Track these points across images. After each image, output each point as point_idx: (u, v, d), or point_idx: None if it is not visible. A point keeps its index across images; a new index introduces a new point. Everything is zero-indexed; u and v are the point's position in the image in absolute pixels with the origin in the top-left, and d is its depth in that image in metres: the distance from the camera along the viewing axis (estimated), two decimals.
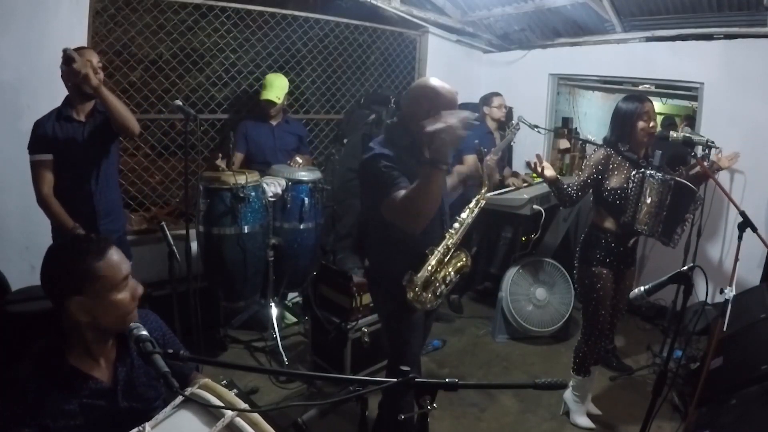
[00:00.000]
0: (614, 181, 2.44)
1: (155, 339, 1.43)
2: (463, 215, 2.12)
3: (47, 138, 2.33)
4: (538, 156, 2.50)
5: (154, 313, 1.52)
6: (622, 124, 2.45)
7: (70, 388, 1.24)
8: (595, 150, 2.58)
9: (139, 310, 1.52)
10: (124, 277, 1.28)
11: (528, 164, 2.50)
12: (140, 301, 1.38)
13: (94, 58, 2.36)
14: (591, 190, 2.53)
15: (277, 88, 3.45)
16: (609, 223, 2.49)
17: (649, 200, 2.37)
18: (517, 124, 3.71)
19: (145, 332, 1.14)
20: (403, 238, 1.97)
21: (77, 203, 2.42)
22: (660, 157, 2.49)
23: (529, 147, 4.73)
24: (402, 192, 1.80)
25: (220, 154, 3.14)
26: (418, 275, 1.96)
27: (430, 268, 1.98)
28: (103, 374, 1.31)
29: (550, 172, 2.48)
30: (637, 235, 2.51)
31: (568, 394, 2.71)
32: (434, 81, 1.97)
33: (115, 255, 1.28)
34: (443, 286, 2.04)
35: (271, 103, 3.43)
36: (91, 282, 1.22)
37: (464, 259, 2.12)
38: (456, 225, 2.08)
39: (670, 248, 2.55)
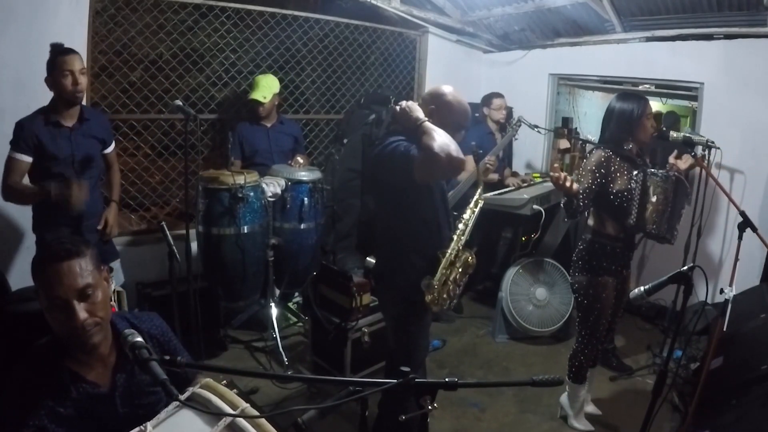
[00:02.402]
0: (619, 184, 2.34)
1: (158, 341, 1.42)
2: (466, 216, 2.18)
3: (34, 141, 2.32)
4: (555, 168, 2.28)
5: (159, 317, 1.50)
6: (628, 123, 2.35)
7: (65, 389, 1.23)
8: (590, 153, 2.45)
9: (145, 313, 1.51)
10: (58, 297, 1.19)
11: (550, 177, 2.37)
12: (141, 301, 1.36)
13: (77, 65, 2.34)
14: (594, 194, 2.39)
15: (263, 87, 3.39)
16: (612, 229, 2.40)
17: (654, 198, 2.33)
18: (518, 121, 3.72)
19: (139, 339, 1.08)
20: (416, 239, 2.03)
21: (63, 208, 2.40)
22: (651, 155, 2.48)
23: (529, 147, 4.74)
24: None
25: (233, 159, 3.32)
26: (436, 278, 2.00)
27: (444, 270, 2.02)
28: (101, 379, 1.29)
29: (576, 185, 2.29)
30: (643, 236, 2.48)
31: (564, 399, 2.70)
32: (450, 89, 2.06)
33: (55, 274, 1.19)
34: (456, 287, 2.09)
35: (258, 103, 3.37)
36: (36, 286, 1.24)
37: (470, 259, 2.15)
38: (461, 226, 2.14)
39: (670, 248, 2.55)
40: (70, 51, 2.37)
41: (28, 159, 2.32)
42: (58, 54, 2.32)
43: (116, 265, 2.72)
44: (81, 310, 1.20)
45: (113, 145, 2.73)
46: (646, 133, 2.39)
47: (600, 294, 2.42)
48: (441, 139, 1.83)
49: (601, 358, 3.29)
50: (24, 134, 2.30)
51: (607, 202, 2.38)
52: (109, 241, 2.69)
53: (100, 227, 2.61)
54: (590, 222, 2.49)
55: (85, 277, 1.21)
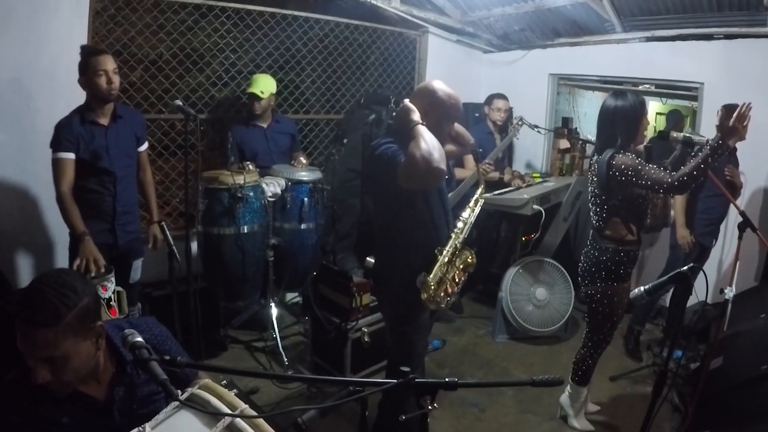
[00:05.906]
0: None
1: (156, 351, 1.40)
2: (465, 214, 2.17)
3: (73, 139, 2.35)
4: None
5: (156, 322, 1.48)
6: (634, 121, 2.30)
7: (61, 400, 1.21)
8: (617, 157, 2.25)
9: (141, 318, 1.49)
10: (27, 359, 1.12)
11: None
12: (140, 301, 1.34)
13: (110, 65, 2.37)
14: (611, 203, 2.33)
15: (261, 83, 3.33)
16: (631, 234, 2.36)
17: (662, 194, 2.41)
18: (519, 121, 3.70)
19: (140, 339, 1.08)
20: (412, 238, 2.01)
21: (98, 204, 2.48)
22: (648, 154, 2.51)
23: (529, 147, 4.75)
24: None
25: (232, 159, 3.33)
26: (431, 276, 1.98)
27: (441, 267, 2.01)
28: (99, 392, 1.28)
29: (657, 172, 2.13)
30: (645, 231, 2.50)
31: (564, 399, 2.70)
32: (439, 84, 2.04)
33: (19, 331, 1.10)
34: (454, 285, 2.07)
35: (255, 97, 3.30)
36: None
37: (470, 258, 2.14)
38: (460, 224, 2.13)
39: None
40: (103, 51, 2.43)
41: (72, 156, 2.35)
42: (91, 54, 2.35)
43: (137, 263, 2.72)
44: (39, 372, 1.11)
45: (146, 144, 2.75)
46: (643, 132, 2.39)
47: (623, 299, 2.40)
48: (426, 147, 1.80)
49: (625, 334, 3.32)
50: (64, 132, 2.34)
51: (631, 205, 2.33)
52: (137, 239, 2.70)
53: (150, 246, 2.71)
54: (608, 232, 2.37)
55: (48, 348, 1.10)
